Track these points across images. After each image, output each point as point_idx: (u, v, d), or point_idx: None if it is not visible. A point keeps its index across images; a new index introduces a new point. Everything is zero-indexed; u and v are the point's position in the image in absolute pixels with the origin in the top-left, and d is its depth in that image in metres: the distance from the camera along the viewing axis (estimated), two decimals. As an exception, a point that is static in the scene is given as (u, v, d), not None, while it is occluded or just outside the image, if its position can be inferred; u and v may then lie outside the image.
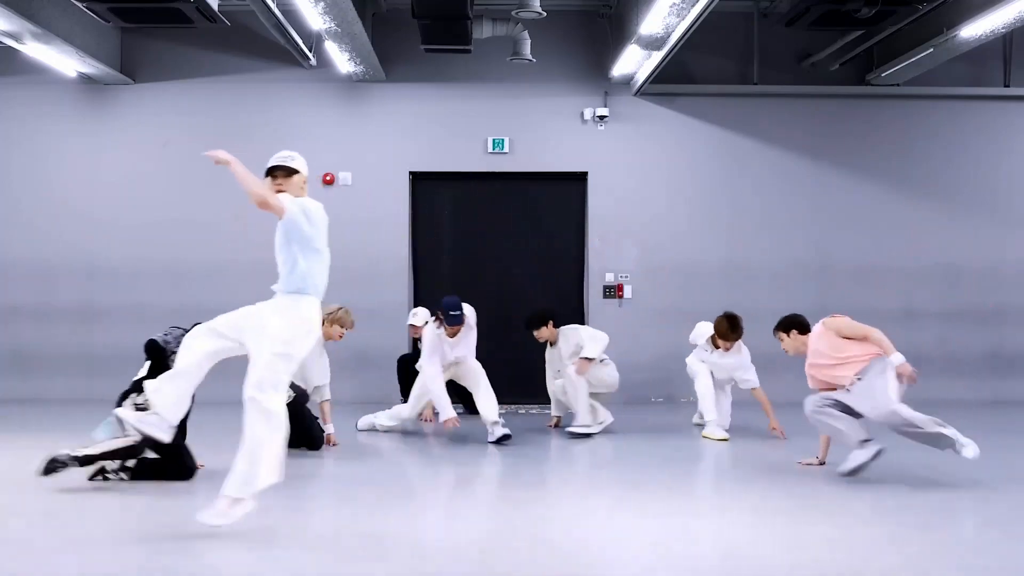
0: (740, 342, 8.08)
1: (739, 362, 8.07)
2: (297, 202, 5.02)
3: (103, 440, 5.76)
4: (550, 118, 10.73)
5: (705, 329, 8.33)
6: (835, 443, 6.49)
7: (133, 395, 5.93)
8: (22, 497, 5.90)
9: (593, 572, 4.49)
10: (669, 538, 5.13)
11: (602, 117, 10.70)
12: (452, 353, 8.01)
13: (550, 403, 8.84)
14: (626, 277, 10.65)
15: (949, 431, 6.04)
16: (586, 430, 8.02)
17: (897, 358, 6.16)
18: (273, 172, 5.18)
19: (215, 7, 8.25)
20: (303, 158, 5.24)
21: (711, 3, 7.76)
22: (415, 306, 9.88)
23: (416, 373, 8.29)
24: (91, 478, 6.03)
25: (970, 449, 5.97)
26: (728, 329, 7.91)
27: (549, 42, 10.47)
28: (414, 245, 10.80)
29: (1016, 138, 10.94)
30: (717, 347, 8.11)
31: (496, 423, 7.74)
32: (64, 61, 9.72)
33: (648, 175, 10.75)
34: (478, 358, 8.14)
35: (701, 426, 8.30)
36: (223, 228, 10.47)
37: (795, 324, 6.69)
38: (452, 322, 7.85)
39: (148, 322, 10.56)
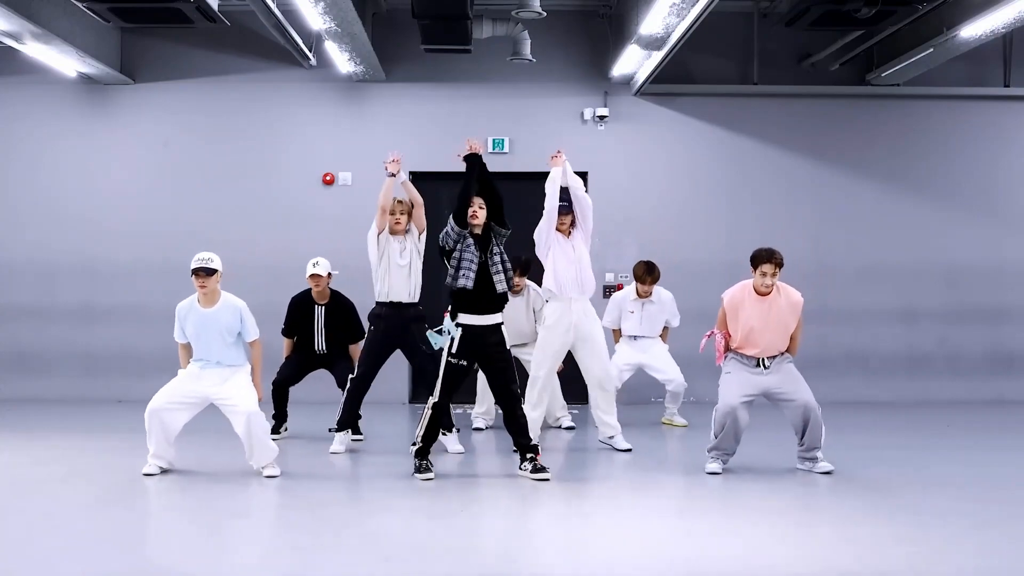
0: (658, 287, 8.74)
1: (662, 307, 8.74)
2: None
3: None
4: (550, 118, 10.71)
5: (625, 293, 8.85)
6: None
7: None
8: (22, 497, 5.90)
9: (591, 572, 4.49)
10: (668, 538, 5.12)
11: (602, 117, 10.69)
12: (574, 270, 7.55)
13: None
14: (626, 277, 10.62)
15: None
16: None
17: None
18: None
19: (215, 7, 8.25)
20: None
21: (711, 3, 7.75)
22: None
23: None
24: None
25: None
26: (644, 271, 8.62)
27: (549, 42, 10.46)
28: (414, 245, 10.77)
29: (1016, 138, 10.92)
30: (639, 296, 8.70)
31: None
32: (64, 61, 9.72)
33: (648, 175, 10.74)
34: None
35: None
36: (223, 228, 10.46)
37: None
38: (562, 211, 7.65)
39: (148, 322, 10.58)
